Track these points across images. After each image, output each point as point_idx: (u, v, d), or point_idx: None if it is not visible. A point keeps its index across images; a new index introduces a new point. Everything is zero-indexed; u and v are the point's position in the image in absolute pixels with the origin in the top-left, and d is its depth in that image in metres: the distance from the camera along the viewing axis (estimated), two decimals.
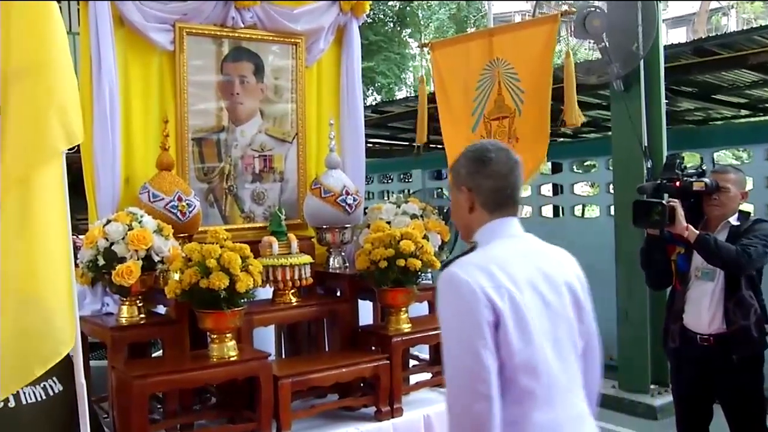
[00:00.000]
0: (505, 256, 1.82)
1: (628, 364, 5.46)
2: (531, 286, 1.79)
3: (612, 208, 6.88)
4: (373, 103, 12.82)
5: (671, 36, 20.67)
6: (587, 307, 1.92)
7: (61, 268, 2.34)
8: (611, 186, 7.08)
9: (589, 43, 4.98)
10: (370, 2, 4.35)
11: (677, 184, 3.38)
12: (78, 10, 3.88)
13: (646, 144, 5.11)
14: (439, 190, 8.33)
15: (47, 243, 2.29)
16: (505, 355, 1.70)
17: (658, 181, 3.50)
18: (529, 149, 4.06)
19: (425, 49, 4.86)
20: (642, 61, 4.95)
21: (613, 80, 5.04)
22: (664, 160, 4.86)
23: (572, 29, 4.96)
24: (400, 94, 17.07)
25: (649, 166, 5.05)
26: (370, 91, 16.77)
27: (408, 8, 17.08)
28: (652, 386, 5.35)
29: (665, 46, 5.51)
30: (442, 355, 1.76)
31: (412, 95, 13.58)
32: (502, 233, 1.88)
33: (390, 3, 16.79)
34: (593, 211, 12.13)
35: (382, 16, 16.72)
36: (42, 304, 2.27)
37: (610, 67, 4.92)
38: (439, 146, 8.21)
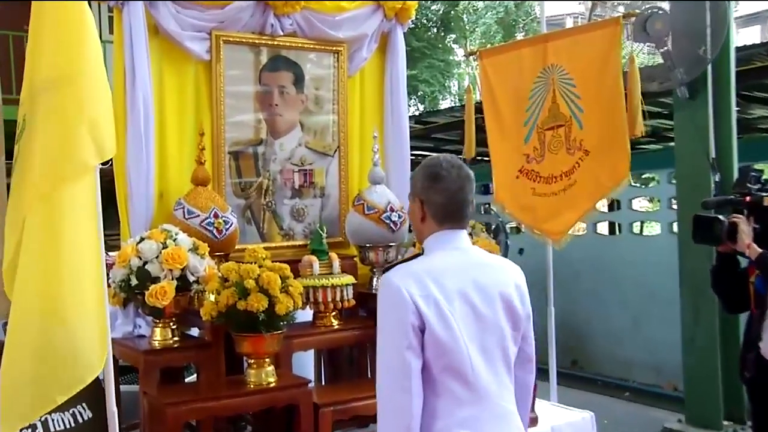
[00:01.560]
0: (441, 267, 2.10)
1: (697, 396, 5.27)
2: (461, 296, 2.07)
3: (675, 224, 6.73)
4: (416, 114, 12.81)
5: (742, 36, 20.19)
6: (523, 315, 2.19)
7: (91, 289, 2.34)
8: (674, 201, 6.94)
9: (649, 47, 4.87)
10: (416, 8, 4.34)
11: (747, 198, 3.28)
12: (110, 17, 3.95)
13: (713, 155, 4.97)
14: (487, 205, 8.27)
15: (75, 262, 2.29)
16: (432, 357, 2.01)
17: (730, 196, 3.40)
18: (605, 163, 3.98)
19: (472, 57, 4.82)
20: (710, 65, 4.82)
21: (677, 87, 4.91)
22: (735, 172, 4.72)
23: (630, 33, 4.86)
24: (445, 104, 17.05)
25: (716, 179, 4.90)
26: (413, 101, 16.77)
27: (452, 12, 17.07)
28: (725, 422, 5.15)
29: (736, 48, 5.35)
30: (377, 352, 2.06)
31: (458, 104, 13.54)
32: (447, 245, 2.16)
33: (434, 7, 16.80)
34: (652, 228, 11.91)
35: (425, 21, 16.74)
36: (67, 327, 2.26)
37: (674, 72, 4.80)
38: (485, 158, 8.13)
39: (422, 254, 2.18)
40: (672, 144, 6.94)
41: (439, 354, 2.01)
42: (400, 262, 2.18)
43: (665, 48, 4.79)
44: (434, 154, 2.32)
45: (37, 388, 2.25)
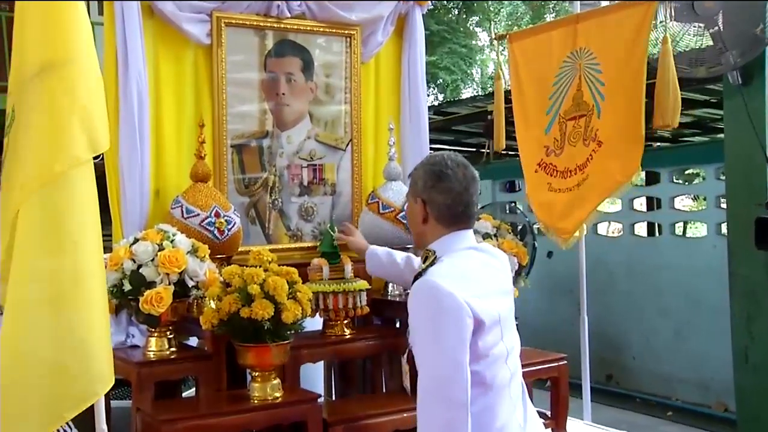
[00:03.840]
0: (475, 267, 2.24)
1: (752, 419, 5.20)
2: (498, 293, 2.24)
3: (723, 226, 6.67)
4: (435, 104, 12.80)
5: None
6: None
7: (98, 291, 2.34)
8: (722, 199, 6.88)
9: (696, 28, 4.81)
10: None
11: None
12: None
13: None
14: (513, 204, 8.26)
15: (81, 263, 2.28)
16: (473, 360, 2.10)
17: None
18: (618, 156, 3.97)
19: (498, 41, 4.81)
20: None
21: (729, 72, 4.85)
22: None
23: (673, 12, 4.81)
24: (467, 93, 17.03)
25: None
26: (432, 90, 16.76)
27: None
28: None
29: None
30: (417, 364, 2.14)
31: (481, 94, 13.51)
32: (462, 245, 2.28)
33: None
34: (697, 230, 11.82)
35: (445, 3, 16.72)
36: (75, 335, 2.25)
37: (725, 55, 4.73)
38: (510, 153, 8.12)
39: (436, 258, 2.27)
40: (720, 136, 6.89)
41: (478, 357, 2.12)
42: (426, 268, 2.26)
43: (715, 28, 4.71)
44: (440, 151, 2.42)
45: (44, 405, 2.23)
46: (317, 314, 3.41)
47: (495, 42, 4.99)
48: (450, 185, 2.27)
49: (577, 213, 4.18)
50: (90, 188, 2.35)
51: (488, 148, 9.32)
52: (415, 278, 2.28)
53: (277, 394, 3.02)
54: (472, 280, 2.18)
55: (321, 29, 3.97)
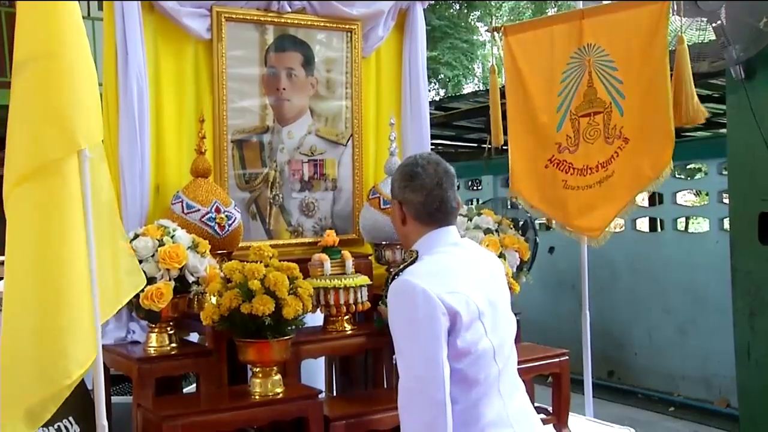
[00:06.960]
0: (453, 263, 2.23)
1: (753, 413, 5.21)
2: (480, 288, 2.20)
3: (726, 221, 6.67)
4: (437, 99, 12.80)
5: None
6: None
7: (75, 287, 2.34)
8: (725, 195, 6.87)
9: (699, 22, 4.81)
10: None
11: None
12: None
13: None
14: (515, 199, 8.26)
15: (56, 260, 2.29)
16: (454, 357, 2.08)
17: None
18: (646, 152, 4.01)
19: (497, 35, 4.79)
20: None
21: (732, 66, 4.85)
22: None
23: (676, 7, 4.80)
24: (468, 88, 17.01)
25: None
26: (433, 85, 16.74)
27: None
28: None
29: None
30: (397, 363, 2.14)
31: (482, 89, 13.47)
32: (443, 242, 2.28)
33: None
34: (699, 225, 11.80)
35: None
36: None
37: (728, 49, 4.73)
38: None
39: (417, 258, 2.28)
40: (722, 131, 6.88)
41: (463, 353, 2.11)
42: (403, 268, 2.29)
43: (718, 22, 4.71)
44: (421, 154, 2.42)
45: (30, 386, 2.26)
46: (318, 310, 3.41)
47: (491, 34, 4.94)
48: (422, 182, 2.29)
49: (604, 210, 4.19)
50: (61, 189, 2.32)
51: (490, 144, 9.30)
52: (393, 278, 2.31)
53: (278, 390, 3.03)
54: (448, 276, 2.17)
55: (321, 24, 3.97)
